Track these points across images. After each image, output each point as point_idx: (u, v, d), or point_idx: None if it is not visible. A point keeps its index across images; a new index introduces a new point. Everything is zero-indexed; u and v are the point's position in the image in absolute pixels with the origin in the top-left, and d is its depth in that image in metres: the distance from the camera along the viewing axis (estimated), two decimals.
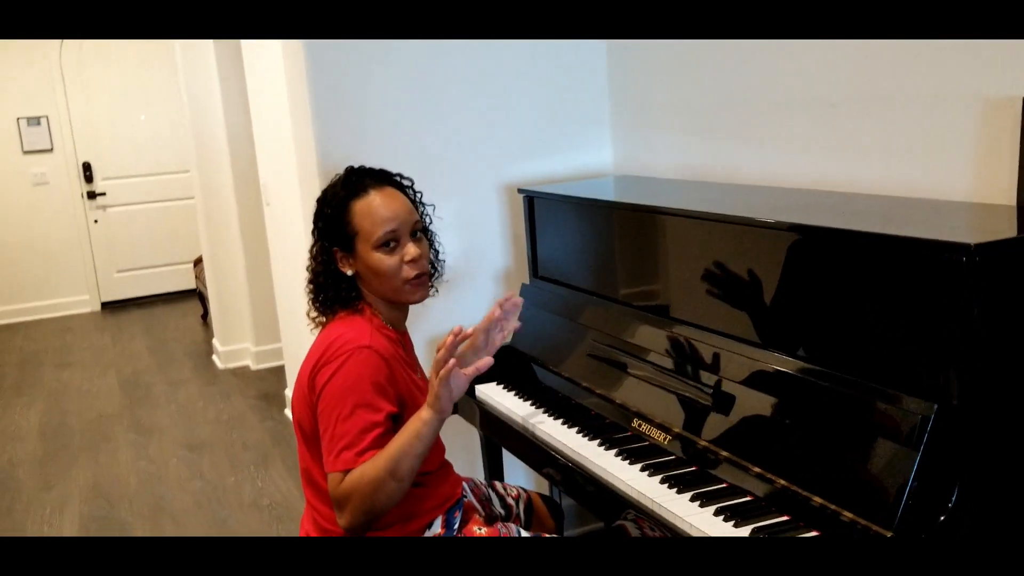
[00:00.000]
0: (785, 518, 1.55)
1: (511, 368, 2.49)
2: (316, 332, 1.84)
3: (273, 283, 4.55)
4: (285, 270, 4.15)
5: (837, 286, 1.63)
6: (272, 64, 3.50)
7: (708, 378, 1.85)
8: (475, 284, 2.80)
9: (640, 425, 1.98)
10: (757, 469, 1.64)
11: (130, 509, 3.60)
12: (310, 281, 1.82)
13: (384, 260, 1.74)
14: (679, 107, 2.62)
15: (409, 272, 1.76)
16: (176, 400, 4.95)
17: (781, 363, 1.71)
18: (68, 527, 3.48)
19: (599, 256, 2.36)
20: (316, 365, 1.68)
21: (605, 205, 2.33)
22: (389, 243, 1.74)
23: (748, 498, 1.64)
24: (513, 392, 2.34)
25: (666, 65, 2.65)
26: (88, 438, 4.46)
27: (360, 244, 1.74)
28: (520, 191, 2.60)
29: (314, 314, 1.84)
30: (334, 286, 1.77)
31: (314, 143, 2.65)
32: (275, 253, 4.35)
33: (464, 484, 1.99)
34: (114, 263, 7.47)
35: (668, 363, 1.98)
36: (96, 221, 7.35)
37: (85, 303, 7.45)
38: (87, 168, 7.25)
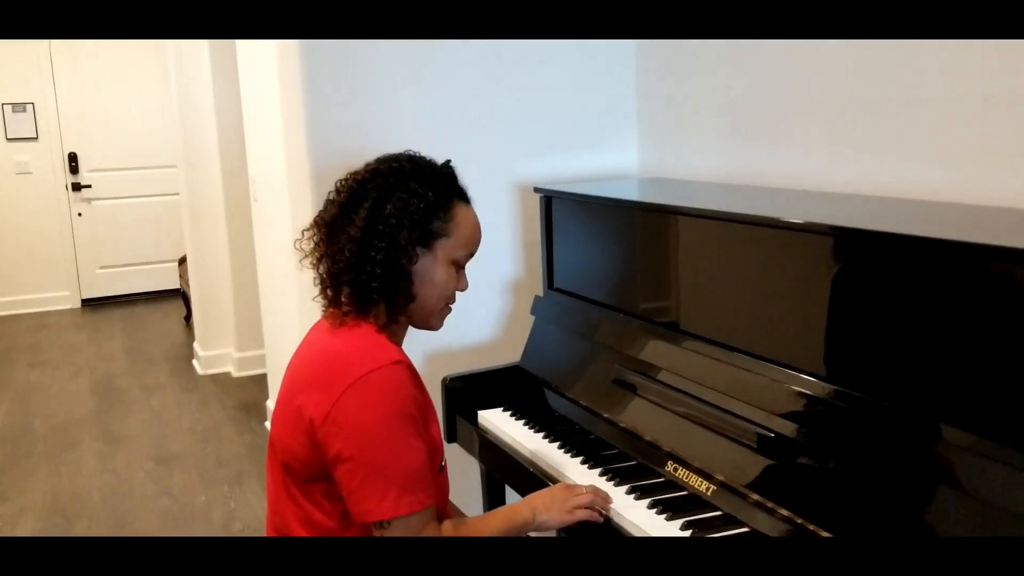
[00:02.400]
0: None
1: (519, 392, 2.17)
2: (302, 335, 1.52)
3: (258, 285, 4.24)
4: (271, 271, 3.84)
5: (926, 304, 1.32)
6: (266, 55, 3.21)
7: (759, 416, 1.54)
8: (482, 296, 2.49)
9: (675, 469, 1.67)
10: (811, 527, 1.33)
11: (88, 527, 3.27)
12: (353, 260, 1.39)
13: (451, 277, 1.48)
14: (713, 105, 2.33)
15: (452, 301, 1.52)
16: (150, 407, 4.63)
17: (847, 399, 1.40)
18: None
19: (625, 266, 2.05)
20: (329, 388, 1.35)
21: (634, 207, 2.02)
22: (462, 266, 1.51)
23: None
24: (522, 421, 2.03)
25: (699, 59, 2.35)
26: (52, 445, 4.12)
27: (440, 249, 1.45)
28: (537, 190, 2.29)
29: (325, 300, 1.47)
30: (388, 277, 1.40)
31: (305, 137, 2.35)
32: (261, 252, 4.04)
33: None
34: (97, 259, 7.14)
35: (708, 395, 1.66)
36: (80, 214, 7.02)
37: (65, 299, 7.11)
38: (72, 159, 6.93)
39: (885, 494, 1.31)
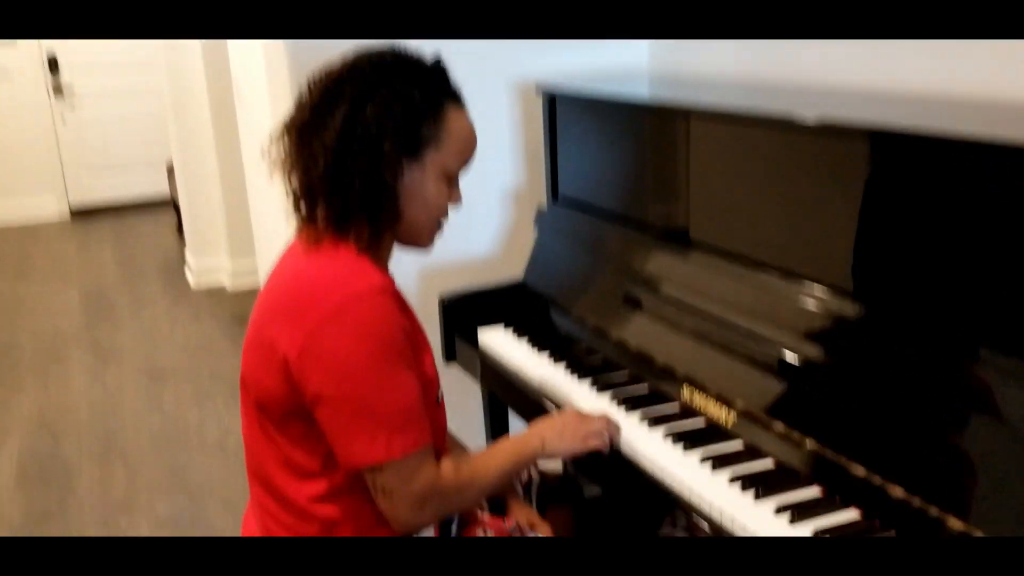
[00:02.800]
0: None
1: (522, 311, 2.03)
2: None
3: (247, 190, 4.05)
4: (258, 176, 3.65)
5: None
6: None
7: (783, 337, 1.39)
8: (480, 208, 2.32)
9: (692, 396, 1.53)
10: (842, 459, 1.20)
11: (77, 446, 3.18)
12: (328, 173, 1.21)
13: (442, 192, 1.30)
14: None
15: (444, 217, 1.34)
16: (141, 320, 4.50)
17: (876, 319, 1.24)
18: (3, 466, 3.05)
19: (637, 175, 1.87)
20: (303, 319, 1.18)
21: (647, 109, 1.83)
22: (455, 178, 1.32)
23: (853, 515, 1.20)
24: (526, 341, 1.88)
25: None
26: (39, 360, 4.01)
27: (430, 160, 1.26)
28: (540, 89, 2.10)
29: (298, 217, 1.29)
30: (369, 193, 1.22)
31: None
32: (248, 156, 3.84)
33: None
34: (84, 164, 6.91)
35: (727, 313, 1.52)
36: (64, 118, 6.77)
37: (52, 207, 6.91)
38: (53, 62, 6.64)
39: (916, 422, 1.17)
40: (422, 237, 1.32)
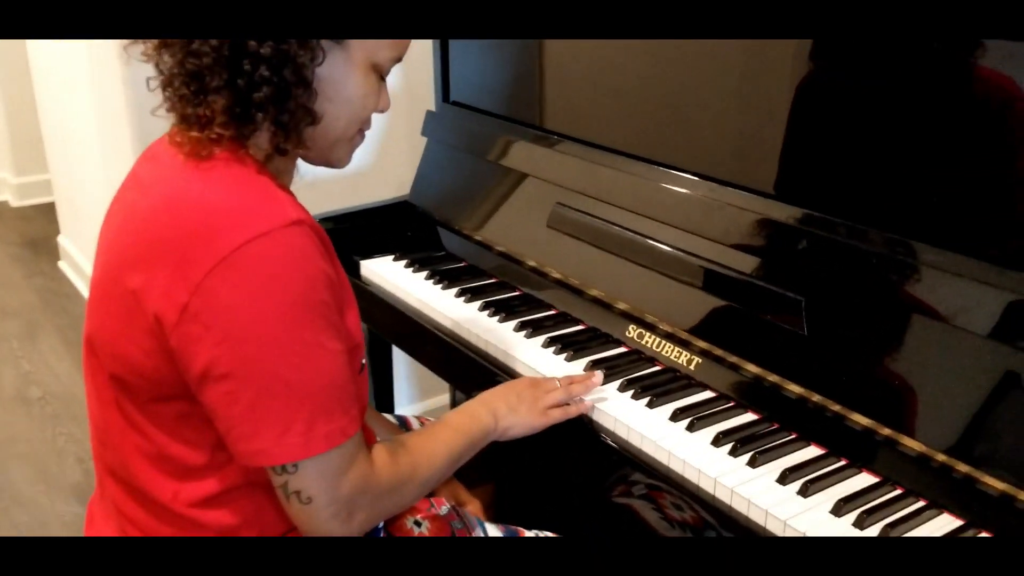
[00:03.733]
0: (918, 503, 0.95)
1: (410, 236, 1.73)
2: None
3: (35, 95, 3.42)
4: (51, 75, 3.06)
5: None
6: None
7: (732, 258, 1.18)
8: None
9: (641, 336, 1.30)
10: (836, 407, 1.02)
11: None
12: (221, 56, 0.87)
13: (370, 90, 0.97)
14: None
15: (367, 125, 1.02)
16: None
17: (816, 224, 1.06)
18: None
19: (541, 71, 1.58)
20: (185, 265, 0.84)
21: None
22: (383, 74, 0.99)
23: (867, 480, 1.02)
24: (423, 274, 1.58)
25: None
26: None
27: (358, 47, 0.92)
28: None
29: (175, 116, 0.92)
30: (277, 85, 0.87)
31: None
32: (36, 52, 3.22)
33: None
34: None
35: (663, 233, 1.29)
36: None
37: None
38: None
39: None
40: (337, 148, 0.99)
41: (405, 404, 2.29)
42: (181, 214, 0.86)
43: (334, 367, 0.88)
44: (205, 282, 0.83)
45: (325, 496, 0.88)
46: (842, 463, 1.05)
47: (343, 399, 0.89)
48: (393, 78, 1.03)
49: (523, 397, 1.12)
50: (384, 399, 1.84)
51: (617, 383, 1.21)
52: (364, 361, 1.02)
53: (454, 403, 2.12)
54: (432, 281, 1.55)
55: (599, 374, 1.19)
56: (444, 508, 1.14)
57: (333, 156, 0.99)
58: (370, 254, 1.67)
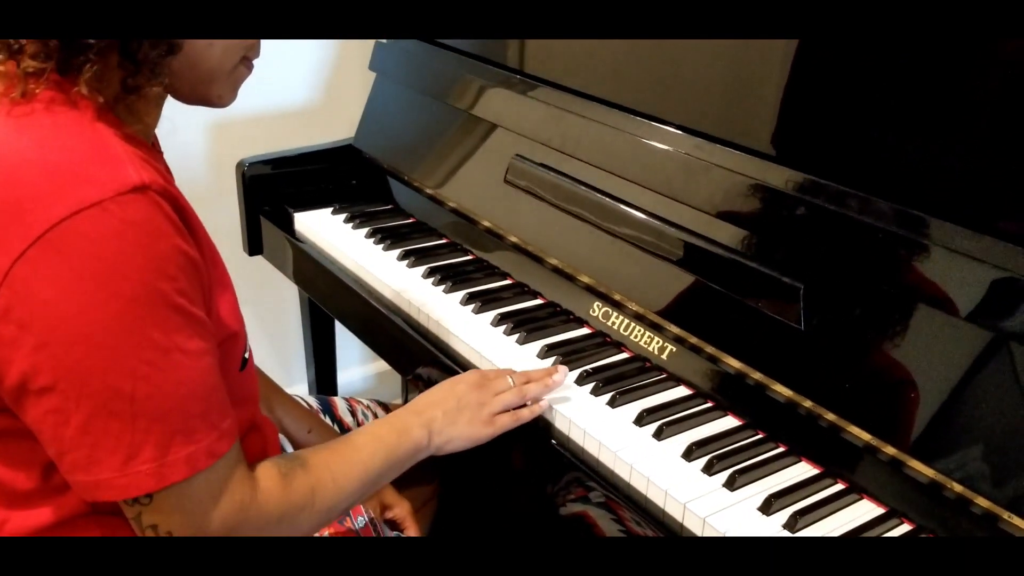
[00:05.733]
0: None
1: (354, 186, 1.53)
2: None
3: None
4: None
5: None
6: None
7: (718, 230, 0.98)
8: (288, 43, 1.71)
9: (608, 316, 1.11)
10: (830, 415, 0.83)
11: None
12: None
13: None
14: None
15: (254, 53, 0.80)
16: None
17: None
18: None
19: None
20: None
21: None
22: None
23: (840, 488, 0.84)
24: (366, 232, 1.38)
25: None
26: None
27: None
28: None
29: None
30: None
31: None
32: None
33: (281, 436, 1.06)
34: None
35: (640, 197, 1.09)
36: None
37: None
38: None
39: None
40: (216, 83, 0.77)
41: (356, 364, 2.10)
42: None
43: (194, 372, 0.68)
44: (15, 270, 0.62)
45: (189, 531, 0.69)
46: (839, 487, 0.87)
47: (209, 411, 0.69)
48: None
49: (466, 402, 0.92)
50: (326, 379, 1.64)
51: (575, 374, 1.02)
52: (247, 354, 0.82)
53: None
54: (373, 240, 1.35)
55: (563, 371, 0.99)
56: (361, 520, 0.96)
57: (211, 92, 0.78)
58: (308, 205, 1.47)
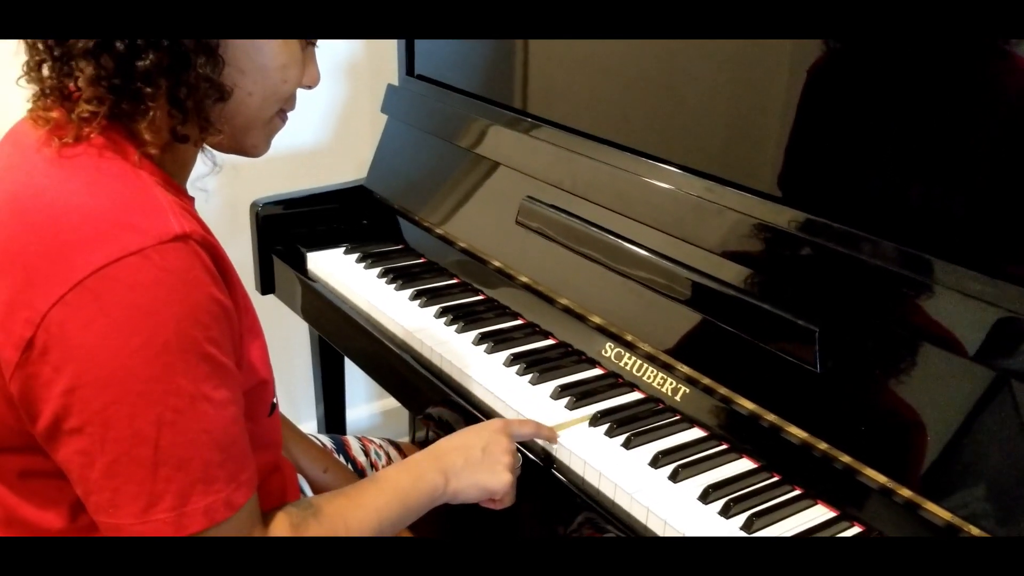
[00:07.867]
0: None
1: (366, 226, 1.54)
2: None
3: None
4: None
5: None
6: None
7: (729, 272, 0.99)
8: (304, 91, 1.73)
9: (619, 356, 1.12)
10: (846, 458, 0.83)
11: None
12: (103, 51, 0.67)
13: (293, 60, 0.78)
14: None
15: (291, 105, 0.83)
16: None
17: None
18: None
19: (519, 48, 1.38)
20: (29, 289, 0.64)
21: None
22: (312, 43, 0.83)
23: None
24: (378, 271, 1.39)
25: None
26: None
27: None
28: None
29: (37, 88, 0.72)
30: (171, 51, 0.67)
31: None
32: None
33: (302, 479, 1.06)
34: None
35: (653, 239, 1.10)
36: None
37: None
38: None
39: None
40: (252, 131, 0.79)
41: (362, 402, 2.10)
42: (28, 219, 0.66)
43: (219, 422, 0.68)
44: (53, 312, 0.63)
45: None
46: (856, 530, 0.87)
47: (229, 462, 0.69)
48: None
49: (488, 452, 0.91)
50: (335, 419, 1.64)
51: (589, 414, 1.03)
52: (275, 400, 0.83)
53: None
54: (385, 280, 1.36)
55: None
56: None
57: (247, 142, 0.80)
58: (320, 245, 1.48)
